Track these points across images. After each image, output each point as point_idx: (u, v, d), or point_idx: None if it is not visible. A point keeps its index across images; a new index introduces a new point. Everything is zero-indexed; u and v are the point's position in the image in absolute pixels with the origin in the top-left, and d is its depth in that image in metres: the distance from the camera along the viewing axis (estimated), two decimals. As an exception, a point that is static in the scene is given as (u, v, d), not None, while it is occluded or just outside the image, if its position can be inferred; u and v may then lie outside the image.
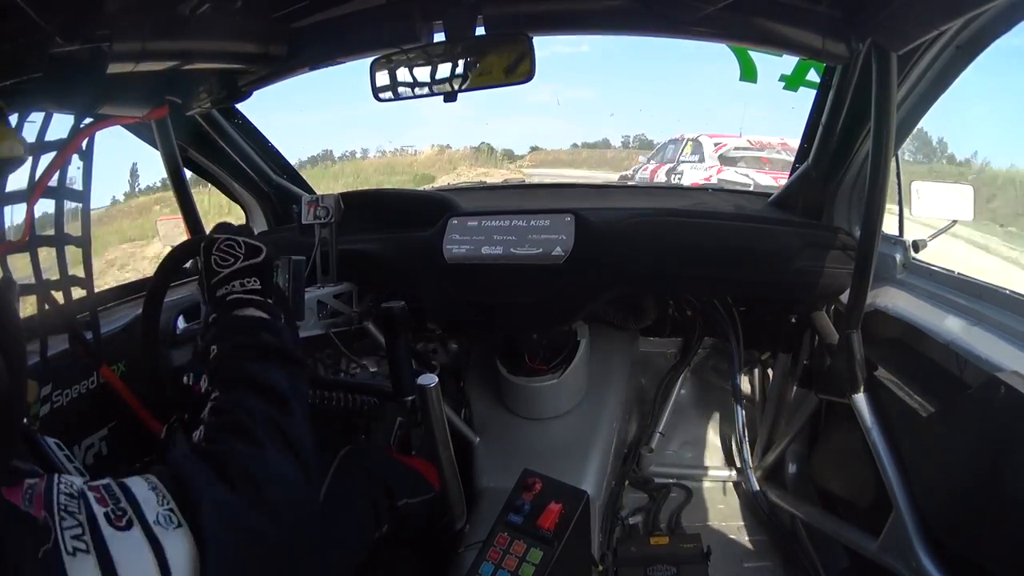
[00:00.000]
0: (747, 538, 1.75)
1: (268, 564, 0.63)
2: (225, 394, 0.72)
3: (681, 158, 7.69)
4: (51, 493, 0.54)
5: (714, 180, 6.71)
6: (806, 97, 1.58)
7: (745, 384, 1.85)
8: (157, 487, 0.59)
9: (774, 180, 6.53)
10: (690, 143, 7.65)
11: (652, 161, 8.46)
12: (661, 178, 7.34)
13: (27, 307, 1.23)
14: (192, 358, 1.05)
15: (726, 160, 7.20)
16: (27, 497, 0.53)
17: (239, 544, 0.60)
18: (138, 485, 0.59)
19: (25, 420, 0.71)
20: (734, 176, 6.78)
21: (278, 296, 0.93)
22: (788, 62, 1.62)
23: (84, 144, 1.27)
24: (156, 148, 1.57)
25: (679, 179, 7.16)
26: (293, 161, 2.04)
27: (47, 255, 1.25)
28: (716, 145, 7.33)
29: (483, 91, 1.23)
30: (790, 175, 1.73)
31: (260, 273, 0.88)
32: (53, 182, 1.23)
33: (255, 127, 1.85)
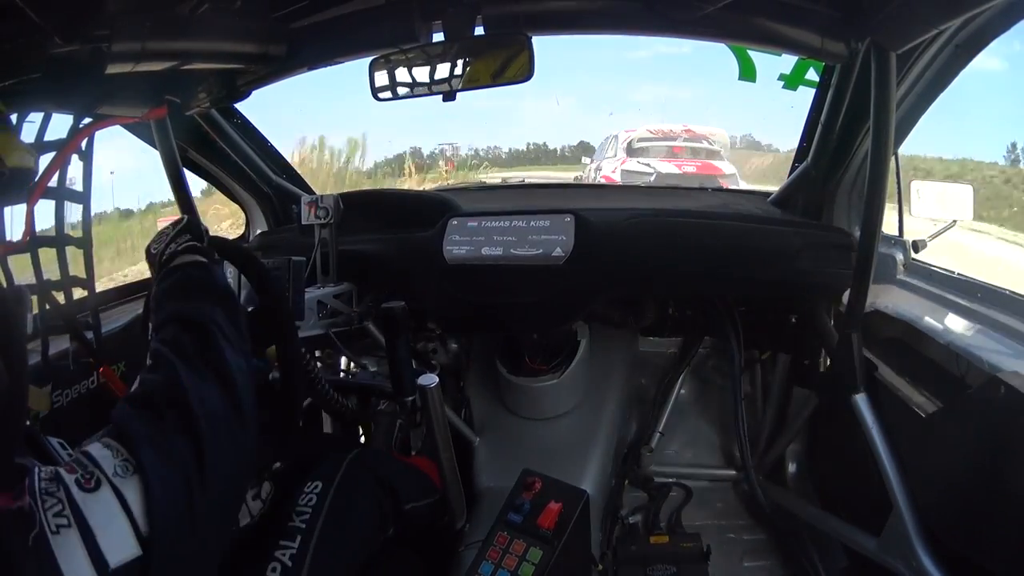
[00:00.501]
0: (747, 538, 1.75)
1: (200, 490, 0.63)
2: (156, 338, 0.75)
3: (606, 155, 7.85)
4: (33, 483, 0.57)
5: (618, 172, 6.86)
6: (806, 96, 1.58)
7: (745, 384, 1.84)
8: (110, 444, 0.63)
9: (677, 168, 6.79)
10: (613, 139, 7.83)
11: (595, 160, 8.59)
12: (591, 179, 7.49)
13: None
14: None
15: (632, 151, 7.30)
16: (18, 492, 0.54)
17: (171, 469, 0.62)
18: (96, 447, 0.63)
19: (27, 422, 0.71)
20: (635, 166, 6.91)
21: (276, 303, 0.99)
22: (787, 61, 1.62)
23: (84, 144, 1.27)
24: (155, 148, 1.57)
25: (599, 174, 7.31)
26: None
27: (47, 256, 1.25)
28: (628, 136, 7.50)
29: (482, 91, 1.23)
30: (789, 174, 1.73)
31: (191, 230, 0.95)
32: (53, 182, 1.23)
33: (254, 127, 1.85)
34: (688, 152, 7.36)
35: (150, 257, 0.95)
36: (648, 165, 6.97)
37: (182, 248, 0.91)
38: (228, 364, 0.73)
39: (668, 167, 6.91)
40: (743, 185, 6.34)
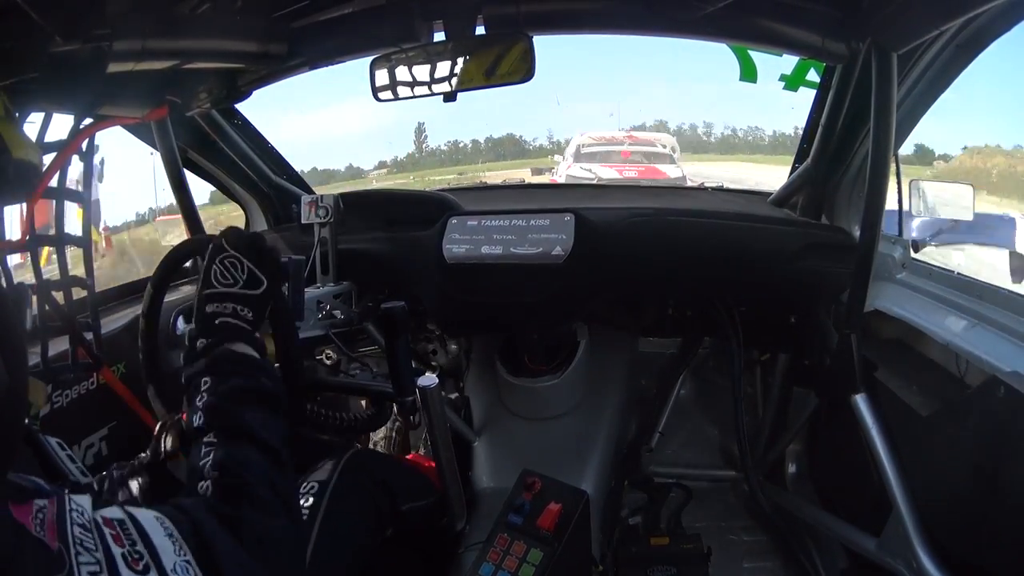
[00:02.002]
0: (747, 538, 1.75)
1: None
2: (224, 443, 0.72)
3: (562, 159, 8.35)
4: (64, 523, 0.53)
5: (564, 176, 7.28)
6: (806, 97, 1.58)
7: (745, 384, 1.84)
8: (173, 534, 0.59)
9: (618, 172, 7.13)
10: (570, 143, 8.33)
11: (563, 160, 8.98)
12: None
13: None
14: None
15: (579, 156, 7.71)
16: (38, 521, 0.51)
17: None
18: (154, 529, 0.59)
19: (26, 421, 0.71)
20: (578, 172, 7.31)
21: (281, 314, 0.96)
22: (788, 62, 1.62)
23: (84, 145, 1.27)
24: (156, 149, 1.57)
25: (555, 176, 7.77)
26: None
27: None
28: (579, 142, 7.97)
29: (481, 90, 1.23)
30: (790, 174, 1.73)
31: (255, 306, 0.86)
32: (53, 182, 1.23)
33: (255, 127, 1.85)
34: (637, 156, 7.71)
35: (203, 278, 0.87)
36: (590, 171, 7.28)
37: (235, 324, 0.84)
38: (293, 490, 0.75)
39: (610, 172, 7.22)
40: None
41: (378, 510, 1.16)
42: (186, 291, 1.66)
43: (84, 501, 0.57)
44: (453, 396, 1.84)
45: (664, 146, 8.16)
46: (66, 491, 0.57)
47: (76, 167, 1.28)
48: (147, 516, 0.60)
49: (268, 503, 0.69)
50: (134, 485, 0.95)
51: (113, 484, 0.96)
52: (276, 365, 1.10)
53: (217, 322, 0.83)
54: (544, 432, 1.65)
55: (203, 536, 0.61)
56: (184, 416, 0.99)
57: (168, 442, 0.97)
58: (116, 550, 0.54)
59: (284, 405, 0.81)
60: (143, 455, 0.98)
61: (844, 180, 1.54)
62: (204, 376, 0.78)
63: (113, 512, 0.59)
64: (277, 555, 0.67)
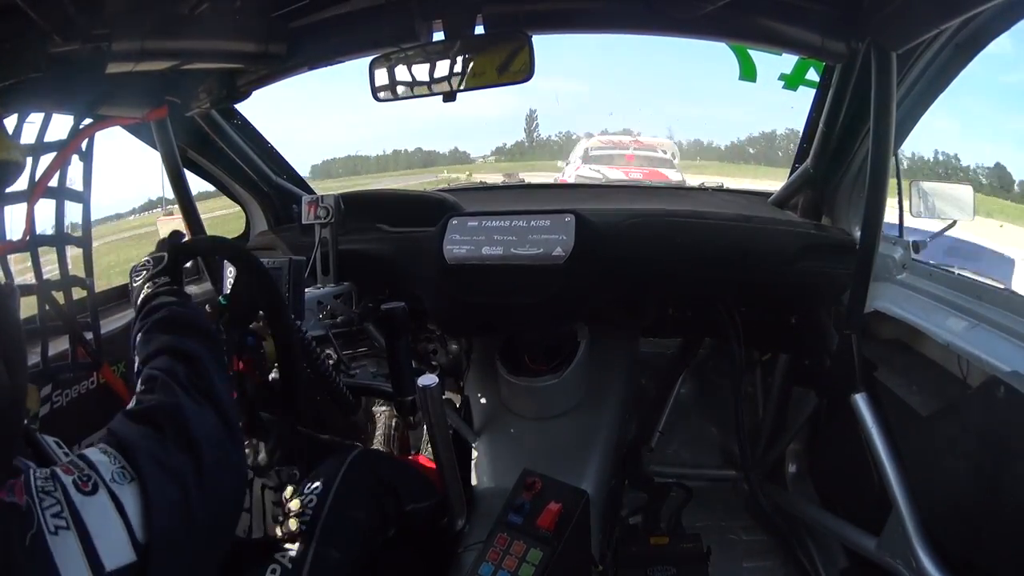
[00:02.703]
0: (747, 538, 1.75)
1: (200, 503, 0.67)
2: (148, 365, 0.81)
3: (570, 159, 8.68)
4: (29, 484, 0.58)
5: (574, 176, 7.63)
6: (806, 97, 1.58)
7: (745, 384, 1.84)
8: (107, 450, 0.66)
9: (624, 174, 7.52)
10: (577, 145, 8.77)
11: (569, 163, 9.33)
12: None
13: (27, 307, 1.23)
14: None
15: (588, 158, 8.09)
16: (8, 488, 0.55)
17: (171, 482, 0.66)
18: (93, 452, 0.65)
19: (25, 421, 0.71)
20: (588, 172, 7.68)
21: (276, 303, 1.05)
22: (788, 61, 1.62)
23: (84, 145, 1.27)
24: (156, 149, 1.57)
25: (563, 177, 8.13)
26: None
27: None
28: (587, 145, 8.42)
29: (481, 91, 1.23)
30: (790, 175, 1.73)
31: (169, 272, 1.03)
32: (53, 182, 1.23)
33: (254, 127, 1.85)
34: (640, 160, 8.08)
35: (131, 293, 1.03)
36: (599, 171, 7.62)
37: (162, 290, 0.99)
38: (220, 393, 0.80)
39: (617, 174, 7.55)
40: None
41: (382, 510, 1.16)
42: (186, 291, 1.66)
43: (46, 469, 0.62)
44: (454, 397, 1.84)
45: (665, 151, 8.53)
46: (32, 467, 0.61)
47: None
48: (91, 448, 0.67)
49: (183, 392, 0.75)
50: None
51: None
52: (275, 365, 1.10)
53: (140, 299, 1.00)
54: (544, 432, 1.65)
55: (121, 438, 0.67)
56: None
57: None
58: (67, 479, 0.60)
59: (206, 330, 0.91)
60: None
61: (844, 180, 1.54)
62: (136, 334, 0.91)
63: (69, 459, 0.65)
64: (194, 434, 0.70)
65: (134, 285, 1.04)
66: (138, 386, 0.79)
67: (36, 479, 0.58)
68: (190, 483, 0.66)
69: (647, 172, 7.76)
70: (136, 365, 0.86)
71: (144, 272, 1.04)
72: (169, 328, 0.88)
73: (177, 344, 0.83)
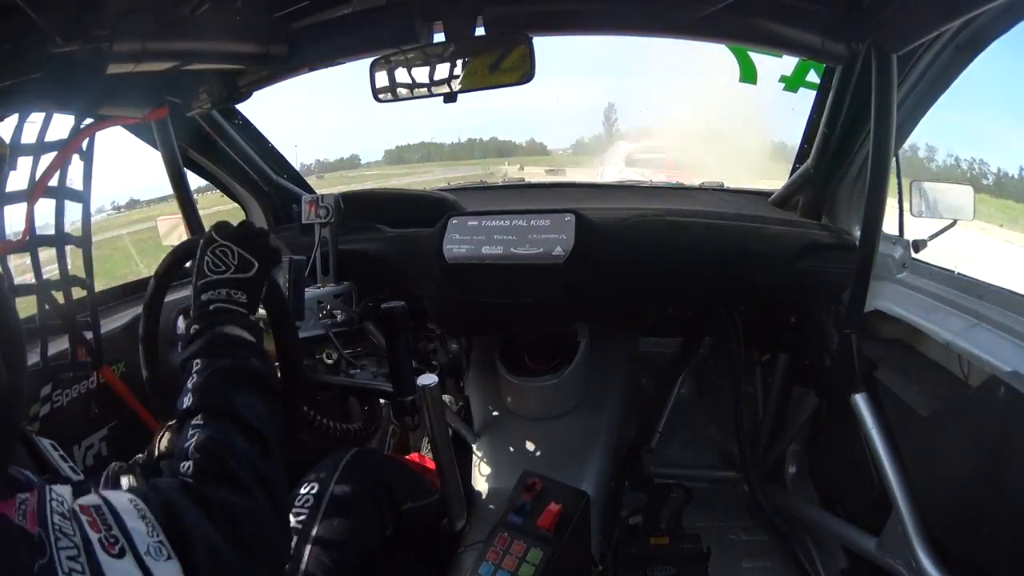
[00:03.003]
0: (747, 538, 1.75)
1: None
2: (210, 424, 0.73)
3: (609, 161, 9.14)
4: (44, 510, 0.55)
5: (617, 177, 7.99)
6: (806, 98, 1.58)
7: (745, 384, 1.85)
8: (146, 516, 0.60)
9: (667, 177, 7.78)
10: (614, 147, 9.22)
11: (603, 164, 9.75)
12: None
13: (27, 307, 1.23)
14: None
15: (631, 161, 8.58)
16: (20, 512, 0.53)
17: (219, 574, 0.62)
18: (128, 512, 0.60)
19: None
20: (631, 175, 8.21)
21: (276, 303, 0.96)
22: (788, 63, 1.62)
23: (84, 144, 1.27)
24: (156, 148, 1.57)
25: (603, 178, 8.30)
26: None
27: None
28: (626, 150, 8.94)
29: (482, 92, 1.23)
30: (790, 175, 1.73)
31: (248, 288, 0.87)
32: (53, 182, 1.23)
33: (255, 127, 1.85)
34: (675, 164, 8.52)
35: (196, 271, 0.88)
36: (643, 174, 8.06)
37: (239, 313, 0.85)
38: (276, 474, 0.74)
39: (660, 177, 7.92)
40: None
41: (379, 510, 1.16)
42: (186, 291, 1.65)
43: (64, 491, 0.59)
44: (453, 397, 1.84)
45: None
46: (47, 486, 0.58)
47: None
48: (121, 500, 0.61)
49: (247, 486, 0.69)
50: (125, 482, 0.95)
51: (108, 483, 0.96)
52: (276, 365, 1.10)
53: (212, 308, 0.84)
54: (544, 432, 1.65)
55: (174, 516, 0.62)
56: None
57: (163, 443, 0.97)
58: (93, 535, 0.56)
59: (275, 386, 0.82)
60: (140, 456, 0.98)
61: (844, 180, 1.54)
62: (196, 358, 0.80)
63: (90, 499, 0.60)
64: (252, 537, 0.66)
65: (207, 270, 0.87)
66: (192, 444, 0.71)
67: (52, 514, 0.55)
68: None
69: (686, 174, 8.21)
70: (190, 398, 0.76)
71: (226, 271, 0.87)
72: (238, 387, 0.78)
73: (245, 415, 0.75)
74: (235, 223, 0.94)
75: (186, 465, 0.69)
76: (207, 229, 0.92)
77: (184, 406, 0.76)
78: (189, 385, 0.78)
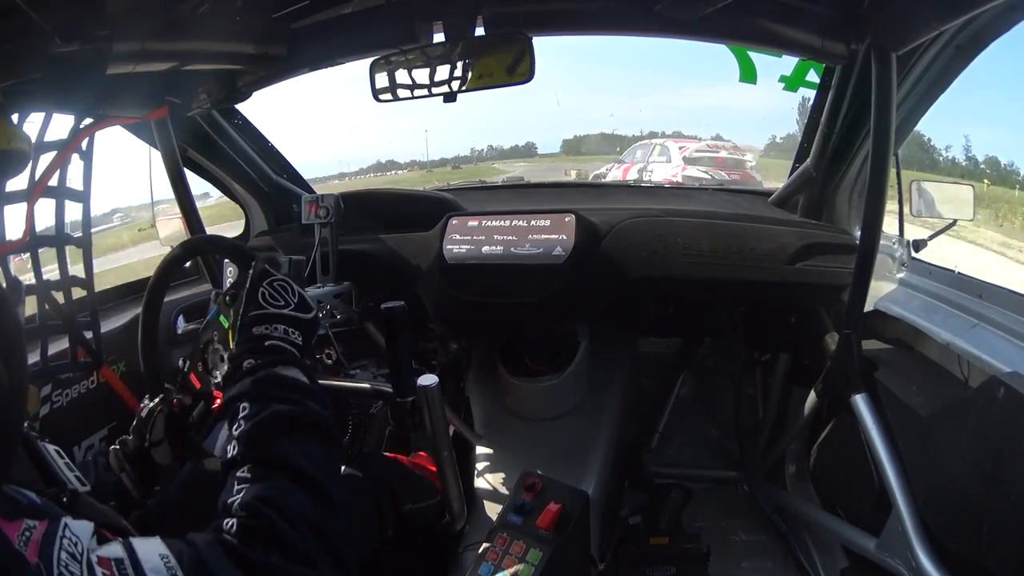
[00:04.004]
0: (747, 538, 1.75)
1: None
2: (260, 478, 0.65)
3: (651, 159, 9.17)
4: (51, 545, 0.51)
5: (679, 177, 8.12)
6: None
7: (745, 384, 1.85)
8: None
9: (727, 175, 8.11)
10: (658, 146, 9.24)
11: (624, 161, 9.77)
12: (633, 176, 8.90)
13: (27, 307, 1.23)
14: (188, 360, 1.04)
15: (689, 160, 8.63)
16: (23, 539, 0.50)
17: None
18: (157, 572, 0.54)
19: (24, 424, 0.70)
20: (696, 173, 8.18)
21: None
22: (788, 63, 1.62)
23: (84, 144, 1.27)
24: (156, 148, 1.57)
25: (650, 176, 8.62)
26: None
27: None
28: (680, 148, 8.96)
29: (482, 92, 1.23)
30: (790, 175, 1.73)
31: (305, 330, 0.83)
32: (53, 182, 1.24)
33: (255, 127, 1.85)
34: (731, 163, 8.56)
35: (247, 299, 0.84)
36: (707, 172, 8.14)
37: (283, 347, 0.79)
38: (342, 535, 0.66)
39: (722, 175, 8.03)
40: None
41: (380, 511, 1.16)
42: (186, 291, 1.66)
43: (82, 531, 0.55)
44: (454, 398, 1.84)
45: (744, 154, 9.05)
46: (64, 520, 0.54)
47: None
48: (151, 556, 0.56)
49: (305, 551, 0.61)
50: (126, 481, 0.95)
51: (100, 471, 0.96)
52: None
53: (267, 344, 0.78)
54: (544, 432, 1.65)
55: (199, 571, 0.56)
56: (176, 403, 0.99)
57: (154, 429, 0.96)
58: (99, 572, 0.51)
59: (332, 432, 0.75)
60: (128, 437, 0.97)
61: (844, 180, 1.54)
62: (243, 401, 0.72)
63: (113, 550, 0.55)
64: None
65: (264, 301, 0.82)
66: (237, 506, 0.63)
67: (60, 551, 0.51)
68: None
69: (742, 174, 8.33)
70: (235, 446, 0.69)
71: (284, 307, 0.82)
72: (294, 435, 0.70)
73: (303, 465, 0.66)
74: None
75: (229, 523, 0.62)
76: (258, 260, 0.88)
77: (229, 455, 0.69)
78: (235, 432, 0.70)
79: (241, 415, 0.71)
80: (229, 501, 0.63)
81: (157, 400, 0.99)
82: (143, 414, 0.99)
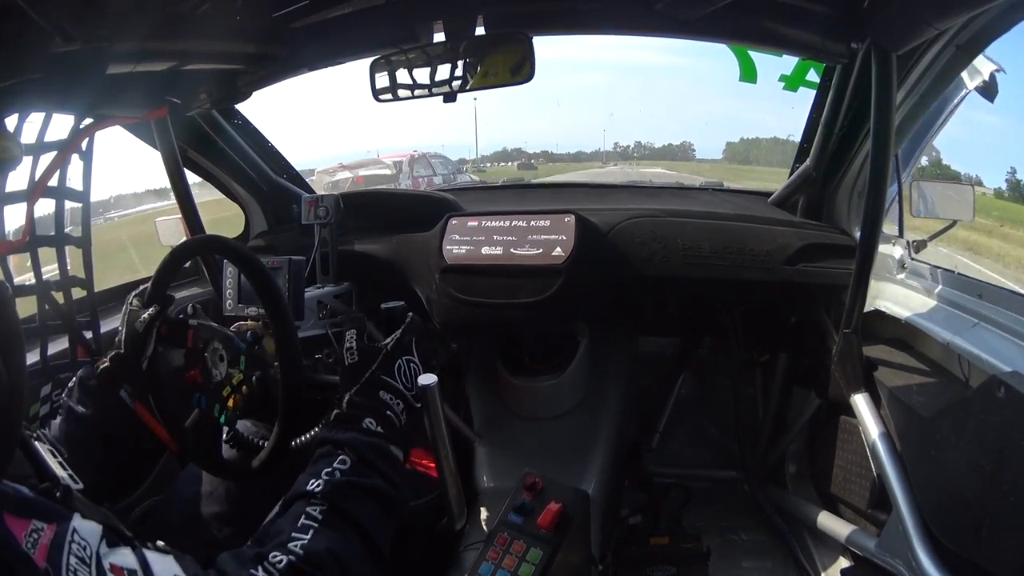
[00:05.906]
0: (747, 538, 1.75)
1: None
2: (331, 526, 0.68)
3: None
4: (59, 550, 0.51)
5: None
6: (806, 97, 1.58)
7: (745, 384, 1.85)
8: None
9: None
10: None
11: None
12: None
13: (27, 307, 1.23)
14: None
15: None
16: (30, 540, 0.50)
17: None
18: None
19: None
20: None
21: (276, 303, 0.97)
22: (788, 62, 1.62)
23: (84, 144, 1.27)
24: (156, 148, 1.57)
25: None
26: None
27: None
28: None
29: (482, 92, 1.23)
30: (790, 175, 1.73)
31: (412, 417, 0.87)
32: (53, 182, 1.23)
33: (255, 127, 1.85)
34: None
35: (394, 349, 0.88)
36: None
37: (399, 429, 0.83)
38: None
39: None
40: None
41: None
42: (186, 291, 1.66)
43: (91, 534, 0.55)
44: (454, 397, 1.84)
45: None
46: (72, 523, 0.54)
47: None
48: (166, 573, 0.55)
49: None
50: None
51: (72, 392, 1.02)
52: (276, 365, 1.10)
53: (387, 413, 0.83)
54: (544, 432, 1.65)
55: None
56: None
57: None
58: None
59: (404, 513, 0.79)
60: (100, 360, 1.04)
61: (844, 180, 1.54)
62: (347, 454, 0.75)
63: (125, 559, 0.55)
64: None
65: (399, 377, 0.86)
66: (301, 524, 0.66)
67: (69, 555, 0.51)
68: None
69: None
70: (320, 485, 0.71)
71: (410, 390, 0.86)
72: (383, 506, 0.75)
73: (379, 537, 0.71)
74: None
75: (279, 558, 0.62)
76: (415, 325, 0.93)
77: (308, 487, 0.71)
78: (324, 472, 0.73)
79: (339, 464, 0.74)
80: (290, 532, 0.65)
81: (152, 309, 1.03)
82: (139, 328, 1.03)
